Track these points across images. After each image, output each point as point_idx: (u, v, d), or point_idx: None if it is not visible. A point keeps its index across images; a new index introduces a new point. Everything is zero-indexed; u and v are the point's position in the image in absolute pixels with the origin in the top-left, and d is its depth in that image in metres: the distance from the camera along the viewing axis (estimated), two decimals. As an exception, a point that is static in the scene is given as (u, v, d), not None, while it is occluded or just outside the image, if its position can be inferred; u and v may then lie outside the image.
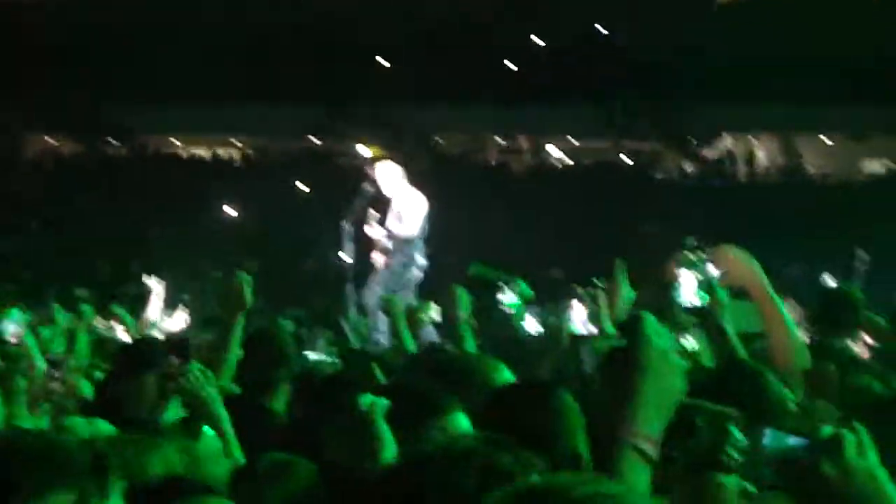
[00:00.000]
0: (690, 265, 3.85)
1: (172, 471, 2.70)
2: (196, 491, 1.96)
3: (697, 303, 3.88)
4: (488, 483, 1.61)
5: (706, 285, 3.86)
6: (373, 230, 10.86)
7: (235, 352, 5.03)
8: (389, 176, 11.00)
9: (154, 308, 10.82)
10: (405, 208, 10.86)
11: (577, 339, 6.24)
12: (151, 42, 31.79)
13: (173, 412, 4.48)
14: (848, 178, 33.67)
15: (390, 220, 10.85)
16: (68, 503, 1.65)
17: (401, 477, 1.71)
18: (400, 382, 3.92)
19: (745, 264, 4.20)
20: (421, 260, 10.87)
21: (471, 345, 5.80)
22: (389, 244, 10.77)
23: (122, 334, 10.01)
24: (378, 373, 4.45)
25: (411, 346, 6.46)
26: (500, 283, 7.49)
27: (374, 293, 10.51)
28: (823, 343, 5.74)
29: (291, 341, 5.21)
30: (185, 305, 13.73)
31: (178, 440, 3.23)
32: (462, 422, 2.55)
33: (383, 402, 2.57)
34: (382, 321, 9.52)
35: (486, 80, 32.96)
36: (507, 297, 7.14)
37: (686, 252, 3.87)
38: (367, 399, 2.59)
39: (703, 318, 4.05)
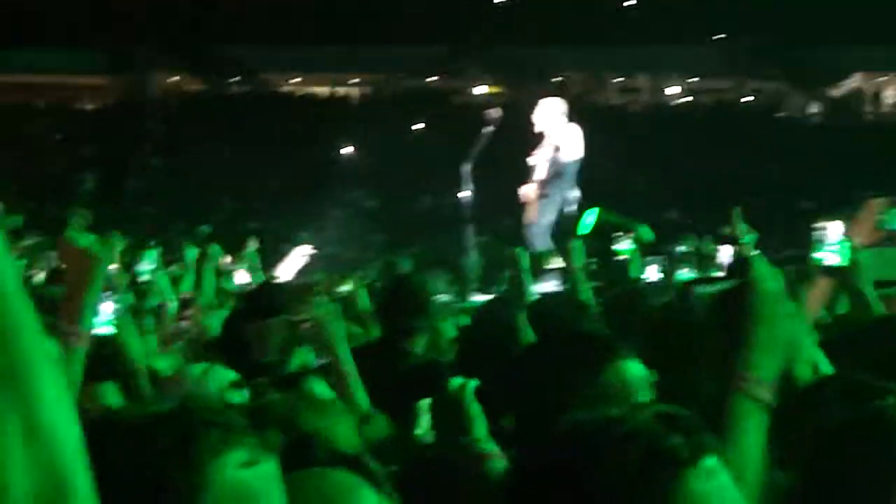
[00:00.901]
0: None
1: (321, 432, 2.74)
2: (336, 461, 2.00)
3: (836, 262, 3.80)
4: (652, 468, 1.55)
5: (846, 246, 3.79)
6: (533, 159, 11.02)
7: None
8: (550, 111, 11.13)
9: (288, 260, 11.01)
10: (563, 141, 10.97)
11: (687, 284, 6.18)
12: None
13: (300, 358, 4.58)
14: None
15: (547, 152, 10.98)
16: (241, 461, 1.70)
17: (558, 448, 1.66)
18: (576, 329, 3.93)
19: None
20: (575, 191, 10.98)
21: (586, 294, 5.79)
22: (546, 175, 10.89)
23: (245, 275, 10.22)
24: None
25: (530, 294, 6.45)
26: (618, 231, 7.45)
27: (537, 229, 10.65)
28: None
29: (433, 291, 5.22)
30: (306, 245, 13.98)
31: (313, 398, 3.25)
32: (636, 368, 2.55)
33: (473, 384, 2.66)
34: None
35: (606, 20, 32.53)
36: (623, 245, 7.08)
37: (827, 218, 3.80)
38: (456, 381, 2.68)
39: (842, 279, 3.97)
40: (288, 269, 12.43)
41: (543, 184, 10.86)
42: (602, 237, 8.00)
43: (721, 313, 2.38)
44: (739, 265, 4.19)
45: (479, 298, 8.80)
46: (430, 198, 24.11)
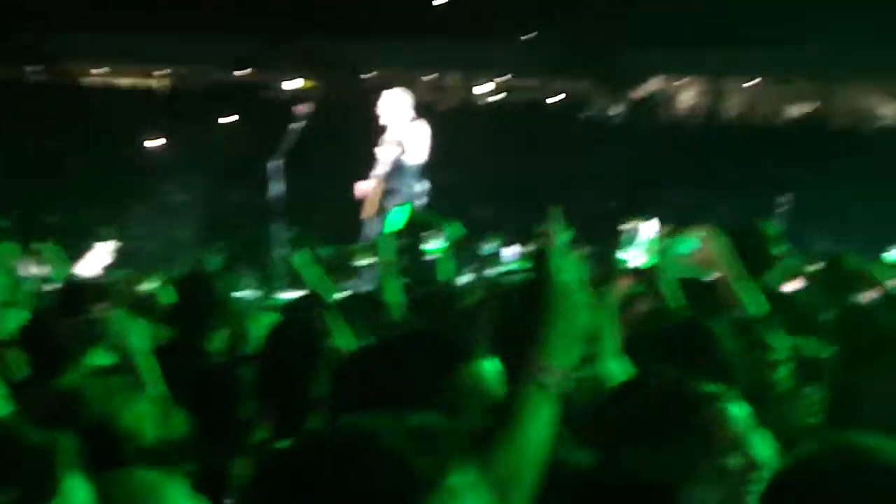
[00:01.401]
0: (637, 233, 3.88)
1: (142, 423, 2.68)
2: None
3: (641, 263, 3.90)
4: (397, 487, 1.57)
5: (656, 248, 3.88)
6: (378, 154, 10.92)
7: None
8: (393, 104, 11.05)
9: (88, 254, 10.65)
10: (408, 135, 10.91)
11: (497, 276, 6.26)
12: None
13: (97, 357, 4.45)
14: (770, 122, 34.11)
15: (391, 147, 10.90)
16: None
17: (297, 455, 1.66)
18: (430, 328, 3.89)
19: (718, 249, 4.21)
20: (421, 184, 10.95)
21: (392, 292, 5.79)
22: (390, 169, 10.82)
23: (41, 271, 9.83)
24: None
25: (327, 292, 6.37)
26: (428, 229, 7.48)
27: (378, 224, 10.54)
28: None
29: (226, 285, 5.14)
30: (106, 241, 13.58)
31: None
32: (490, 366, 2.53)
33: None
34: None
35: (416, 16, 32.72)
36: (432, 244, 7.09)
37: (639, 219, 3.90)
38: None
39: (646, 280, 4.07)
40: (91, 265, 12.05)
41: (387, 179, 10.81)
42: (412, 235, 8.02)
43: (519, 303, 2.40)
44: (535, 256, 4.24)
45: (289, 295, 8.71)
46: (240, 193, 23.79)
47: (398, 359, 2.58)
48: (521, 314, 2.32)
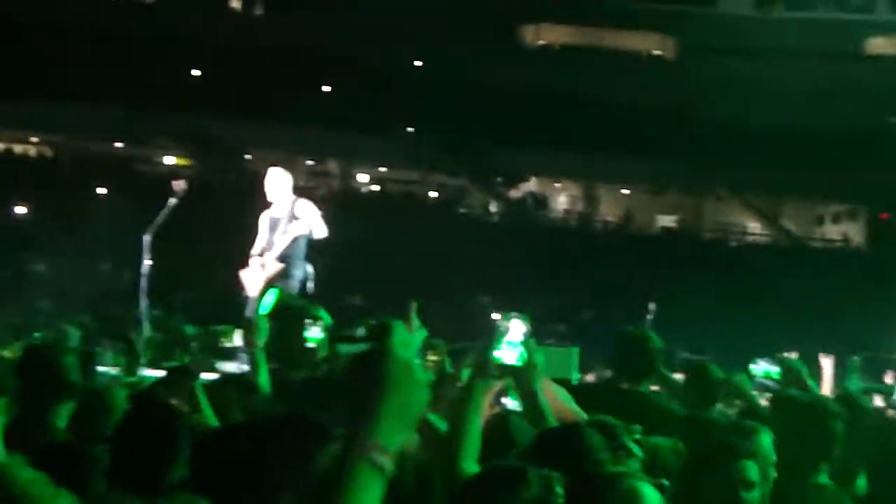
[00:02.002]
0: (507, 328, 3.85)
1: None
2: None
3: (513, 361, 3.86)
4: None
5: (523, 346, 3.86)
6: (259, 238, 10.67)
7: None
8: (282, 183, 10.87)
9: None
10: (309, 213, 10.74)
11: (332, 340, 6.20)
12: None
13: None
14: (642, 228, 34.98)
15: (276, 226, 10.70)
16: None
17: None
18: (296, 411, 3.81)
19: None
20: (307, 267, 10.74)
21: (263, 376, 5.69)
22: (264, 251, 10.60)
23: None
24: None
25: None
26: (299, 315, 7.40)
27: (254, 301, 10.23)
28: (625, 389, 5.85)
29: (73, 362, 4.94)
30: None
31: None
32: None
33: None
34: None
35: (301, 102, 32.88)
36: (313, 332, 7.01)
37: (507, 315, 3.87)
38: None
39: (517, 378, 4.05)
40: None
41: (272, 258, 10.66)
42: (282, 318, 7.93)
43: (354, 375, 2.33)
44: (379, 329, 4.19)
45: (150, 373, 8.49)
46: (108, 266, 23.29)
47: (263, 441, 2.52)
48: (358, 386, 2.24)
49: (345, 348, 5.11)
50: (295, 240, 10.67)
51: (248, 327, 6.16)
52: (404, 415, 2.23)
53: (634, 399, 5.74)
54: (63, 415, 4.66)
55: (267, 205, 10.90)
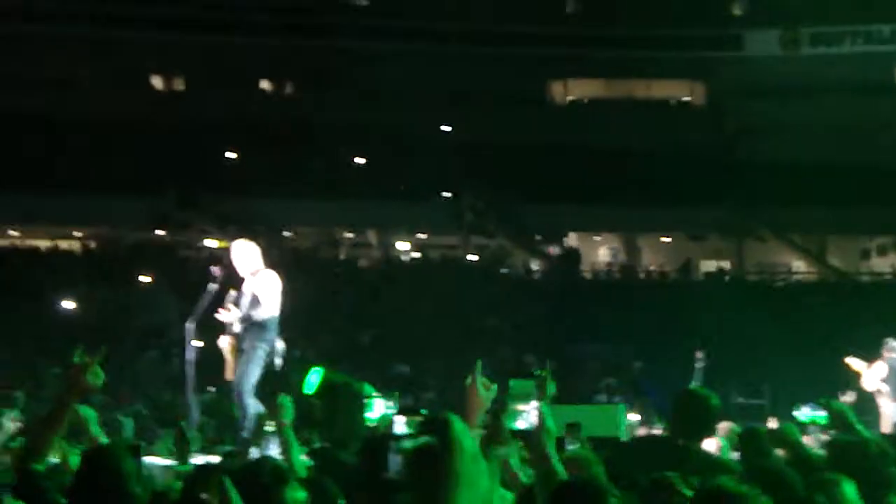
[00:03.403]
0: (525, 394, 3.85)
1: None
2: None
3: (527, 426, 3.85)
4: None
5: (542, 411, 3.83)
6: (227, 314, 10.23)
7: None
8: (245, 256, 10.42)
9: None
10: (261, 289, 10.29)
11: (383, 439, 6.12)
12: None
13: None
14: (685, 275, 34.75)
15: (245, 302, 10.29)
16: None
17: None
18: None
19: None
20: (279, 343, 10.28)
21: (296, 454, 5.69)
22: (242, 328, 10.19)
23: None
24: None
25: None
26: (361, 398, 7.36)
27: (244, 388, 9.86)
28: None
29: (132, 465, 4.90)
30: (19, 403, 13.22)
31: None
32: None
33: None
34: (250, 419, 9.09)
35: (336, 175, 33.18)
36: (374, 413, 6.94)
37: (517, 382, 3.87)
38: None
39: (529, 442, 4.02)
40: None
41: (242, 337, 10.01)
42: (329, 397, 7.88)
43: (416, 470, 2.31)
44: (436, 423, 4.16)
45: (202, 459, 8.48)
46: (156, 353, 23.44)
47: None
48: (424, 483, 2.24)
49: (404, 445, 5.05)
50: (247, 318, 10.14)
51: (272, 407, 6.13)
52: (473, 502, 2.23)
53: (691, 455, 5.72)
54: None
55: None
